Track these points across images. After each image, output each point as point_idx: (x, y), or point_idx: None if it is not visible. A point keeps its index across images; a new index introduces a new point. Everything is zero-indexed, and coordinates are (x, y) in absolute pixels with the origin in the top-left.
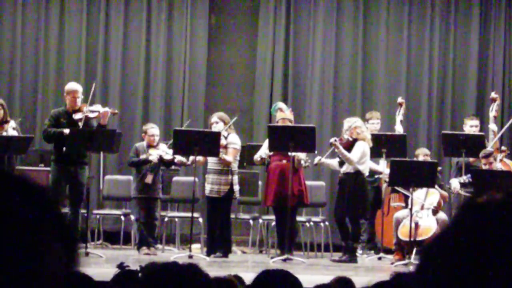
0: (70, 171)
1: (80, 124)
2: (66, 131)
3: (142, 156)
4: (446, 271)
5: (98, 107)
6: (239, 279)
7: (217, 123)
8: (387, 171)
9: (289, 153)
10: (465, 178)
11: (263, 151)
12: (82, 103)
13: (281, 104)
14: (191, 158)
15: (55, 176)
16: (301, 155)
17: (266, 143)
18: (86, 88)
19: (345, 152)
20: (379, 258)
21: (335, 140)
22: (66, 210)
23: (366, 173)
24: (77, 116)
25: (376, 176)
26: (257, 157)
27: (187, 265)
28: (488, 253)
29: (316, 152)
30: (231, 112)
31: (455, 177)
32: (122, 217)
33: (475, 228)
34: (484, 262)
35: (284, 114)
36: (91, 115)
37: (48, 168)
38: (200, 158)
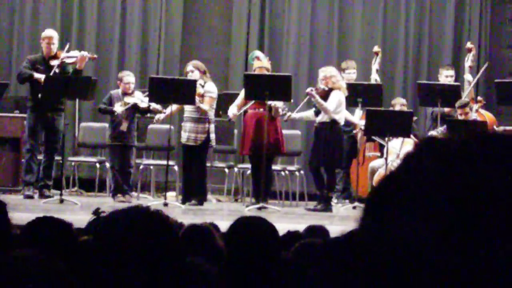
0: (47, 118)
1: (57, 70)
2: (37, 75)
3: (116, 105)
4: (396, 212)
5: (75, 52)
6: (215, 227)
7: (193, 71)
8: (362, 122)
9: (266, 102)
10: (440, 129)
11: (232, 110)
12: (58, 50)
13: (258, 53)
14: (162, 115)
15: (31, 123)
16: (278, 104)
17: (242, 92)
18: (62, 35)
19: (322, 101)
20: (354, 207)
21: (311, 90)
22: (41, 157)
23: (342, 123)
24: (53, 62)
25: (353, 130)
26: (231, 114)
27: (148, 209)
28: (440, 194)
29: (292, 101)
30: (207, 61)
31: (430, 127)
32: (97, 165)
33: (427, 167)
34: (434, 202)
35: (261, 63)
36: (68, 60)
37: (23, 115)
38: (174, 107)
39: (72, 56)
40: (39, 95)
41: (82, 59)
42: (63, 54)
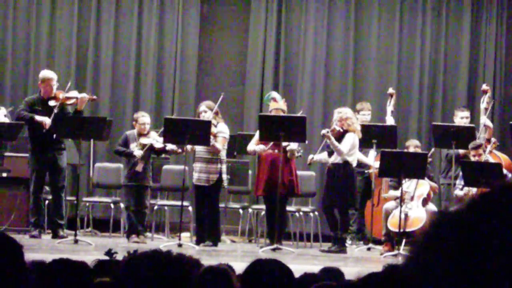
0: (48, 158)
1: (55, 110)
2: (38, 118)
3: (132, 146)
4: (437, 262)
5: (74, 93)
6: (230, 268)
7: (206, 112)
8: (376, 164)
9: (282, 143)
10: (459, 182)
11: (259, 147)
12: (58, 90)
13: (274, 94)
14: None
15: (34, 165)
16: (294, 146)
17: (257, 133)
18: (77, 76)
19: (336, 144)
20: (368, 249)
21: (327, 132)
22: (48, 196)
23: (354, 164)
24: (52, 102)
25: (366, 171)
26: (251, 149)
27: (171, 253)
28: (481, 245)
29: (306, 142)
30: (222, 102)
31: (445, 168)
32: (112, 205)
33: (467, 222)
34: (475, 254)
35: (277, 104)
36: (68, 101)
37: None
38: (189, 146)
39: (72, 97)
40: (54, 136)
41: (82, 100)
42: (62, 95)
